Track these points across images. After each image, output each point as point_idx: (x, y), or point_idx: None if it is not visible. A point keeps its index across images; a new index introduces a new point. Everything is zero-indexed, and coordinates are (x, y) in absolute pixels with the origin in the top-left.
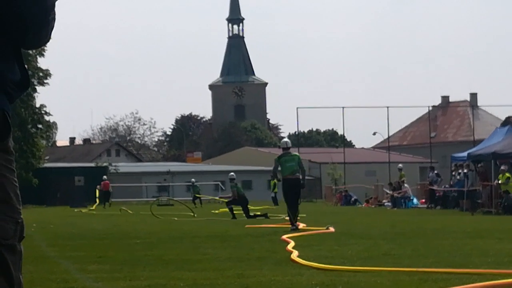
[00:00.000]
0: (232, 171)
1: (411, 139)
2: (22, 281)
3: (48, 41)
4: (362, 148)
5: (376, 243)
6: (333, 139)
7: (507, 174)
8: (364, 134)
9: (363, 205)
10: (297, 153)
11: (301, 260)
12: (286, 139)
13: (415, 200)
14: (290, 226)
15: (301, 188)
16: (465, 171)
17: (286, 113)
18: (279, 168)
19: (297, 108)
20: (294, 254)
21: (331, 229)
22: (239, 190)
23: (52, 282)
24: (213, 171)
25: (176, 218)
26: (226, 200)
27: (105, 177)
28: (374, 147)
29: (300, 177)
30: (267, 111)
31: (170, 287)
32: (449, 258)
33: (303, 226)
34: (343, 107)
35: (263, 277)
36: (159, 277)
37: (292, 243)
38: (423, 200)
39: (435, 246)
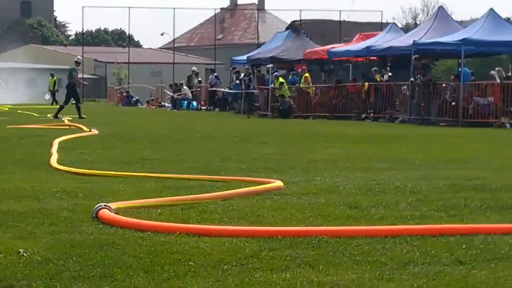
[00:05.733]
0: (16, 68)
1: (198, 41)
2: None
3: None
4: (149, 48)
5: (141, 146)
6: (120, 38)
7: (281, 79)
8: (153, 35)
9: (144, 106)
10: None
11: (56, 164)
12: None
13: (194, 103)
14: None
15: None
16: (243, 74)
17: (74, 11)
18: None
19: (82, 7)
20: (53, 158)
21: (94, 131)
22: None
23: None
24: None
25: None
26: None
27: None
28: (161, 48)
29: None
30: (55, 8)
31: None
32: (206, 164)
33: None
34: (129, 7)
35: (9, 183)
36: None
37: (56, 146)
38: (203, 102)
39: (198, 150)
